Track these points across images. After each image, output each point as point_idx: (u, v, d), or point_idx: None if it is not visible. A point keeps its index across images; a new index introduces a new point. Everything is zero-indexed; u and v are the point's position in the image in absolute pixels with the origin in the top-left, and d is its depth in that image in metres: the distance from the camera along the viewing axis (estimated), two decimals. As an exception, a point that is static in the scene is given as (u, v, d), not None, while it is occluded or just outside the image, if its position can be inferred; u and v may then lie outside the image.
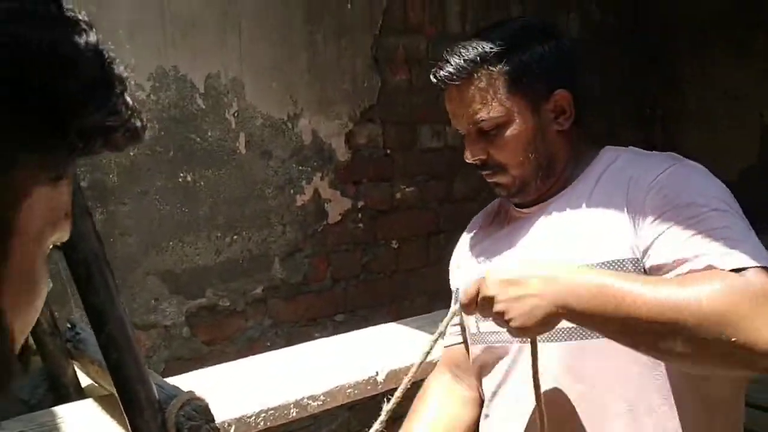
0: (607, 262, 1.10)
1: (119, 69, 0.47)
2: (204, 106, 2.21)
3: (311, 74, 2.46)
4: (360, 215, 2.63)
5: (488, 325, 1.27)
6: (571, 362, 1.13)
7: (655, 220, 1.06)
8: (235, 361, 1.88)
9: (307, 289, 2.53)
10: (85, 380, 1.71)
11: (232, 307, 2.33)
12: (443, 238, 2.75)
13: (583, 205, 1.19)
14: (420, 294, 2.76)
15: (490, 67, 1.18)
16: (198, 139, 2.21)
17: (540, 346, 1.10)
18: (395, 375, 1.72)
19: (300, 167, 2.47)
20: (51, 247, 0.49)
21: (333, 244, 2.58)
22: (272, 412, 1.50)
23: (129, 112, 0.48)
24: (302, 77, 2.44)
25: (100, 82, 0.45)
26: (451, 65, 1.20)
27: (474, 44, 1.20)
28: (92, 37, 0.45)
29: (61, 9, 0.44)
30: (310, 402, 1.56)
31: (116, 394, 1.25)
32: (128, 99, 0.47)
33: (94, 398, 1.60)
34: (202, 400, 1.21)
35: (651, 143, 3.60)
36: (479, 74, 1.19)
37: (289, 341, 2.50)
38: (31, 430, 1.41)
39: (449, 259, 1.49)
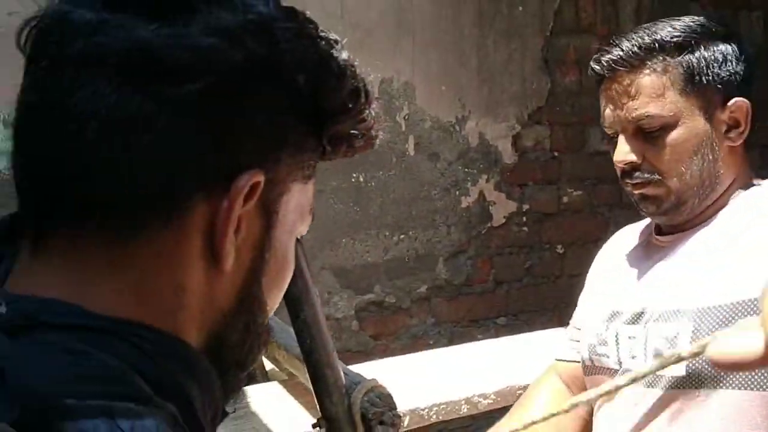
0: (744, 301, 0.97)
1: (366, 82, 0.52)
2: (377, 110, 2.30)
3: (480, 77, 2.48)
4: (525, 218, 2.62)
5: (599, 359, 1.17)
6: (678, 413, 1.01)
7: None
8: (405, 355, 1.94)
9: (469, 291, 2.55)
10: (267, 364, 1.84)
11: (397, 304, 2.40)
12: (610, 244, 2.67)
13: (727, 239, 1.04)
14: (584, 300, 2.70)
15: (668, 57, 1.04)
16: (371, 141, 2.30)
17: (644, 391, 1.02)
18: (565, 379, 1.70)
19: (466, 169, 2.50)
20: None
21: (496, 247, 2.58)
22: (444, 406, 1.53)
23: (373, 122, 0.53)
24: (471, 80, 2.47)
25: (356, 93, 0.50)
26: (622, 50, 1.05)
27: (650, 30, 1.06)
28: (345, 54, 0.50)
29: (319, 29, 0.50)
30: (480, 400, 1.58)
31: (304, 378, 1.33)
32: (373, 110, 0.53)
33: (278, 381, 1.72)
34: (385, 388, 1.26)
35: None
36: (654, 63, 1.04)
37: (451, 340, 2.54)
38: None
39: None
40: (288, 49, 0.46)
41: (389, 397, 1.26)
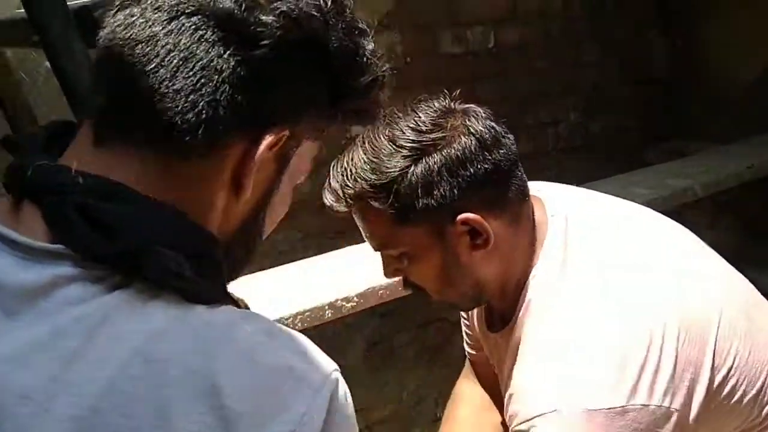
0: None
1: (383, 70, 0.62)
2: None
3: (326, -17, 2.41)
4: (382, 126, 2.62)
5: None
6: None
7: None
8: (269, 269, 1.93)
9: (334, 202, 2.55)
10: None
11: (261, 221, 2.37)
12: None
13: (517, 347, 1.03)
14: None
15: (371, 202, 0.98)
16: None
17: None
18: (426, 276, 1.75)
19: (320, 79, 2.45)
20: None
21: (357, 156, 2.58)
22: (308, 313, 1.55)
23: (382, 104, 0.65)
24: (317, -14, 2.39)
25: (375, 81, 0.61)
26: (331, 194, 1.02)
27: (347, 172, 1.00)
28: (372, 45, 0.61)
29: (358, 20, 0.61)
30: (344, 304, 1.60)
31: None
32: (384, 95, 0.64)
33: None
34: (242, 301, 1.25)
35: (673, 41, 3.51)
36: (360, 208, 1.01)
37: (320, 253, 2.54)
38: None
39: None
40: (334, 36, 0.57)
41: (246, 309, 1.25)
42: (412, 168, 0.96)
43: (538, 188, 1.10)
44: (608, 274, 1.00)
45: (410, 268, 1.05)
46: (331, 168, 1.03)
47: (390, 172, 0.97)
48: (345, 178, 1.00)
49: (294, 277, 1.83)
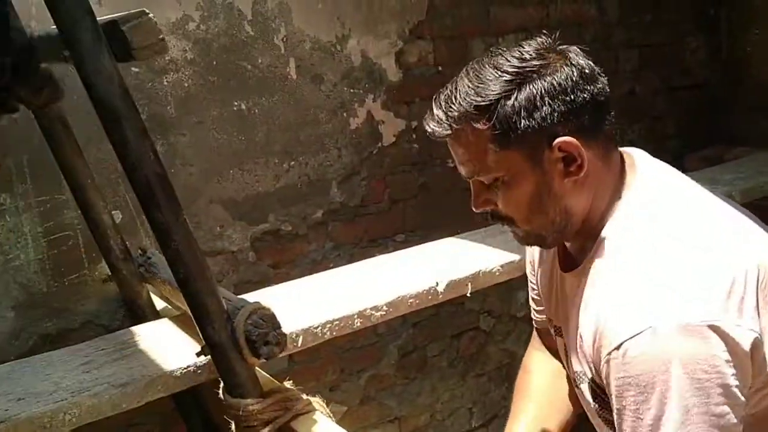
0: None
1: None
2: (253, 33, 2.21)
3: (357, -7, 2.42)
4: (414, 135, 2.62)
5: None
6: None
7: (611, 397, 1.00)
8: (300, 278, 1.94)
9: (365, 211, 2.56)
10: (159, 304, 1.80)
11: (294, 231, 2.38)
12: (500, 154, 2.71)
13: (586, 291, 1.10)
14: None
15: (473, 123, 1.04)
16: (249, 66, 2.22)
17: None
18: (455, 285, 1.75)
19: (351, 90, 2.46)
20: None
21: (389, 166, 2.58)
22: (337, 322, 1.55)
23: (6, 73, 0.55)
24: (348, -3, 2.41)
25: None
26: (434, 120, 1.09)
27: (452, 98, 1.07)
28: None
29: None
30: (373, 312, 1.60)
31: (187, 309, 1.31)
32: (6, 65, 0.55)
33: (168, 318, 1.68)
34: (268, 309, 1.25)
35: (716, 49, 3.44)
36: (461, 131, 1.06)
37: (351, 262, 2.55)
38: (112, 348, 1.49)
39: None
40: None
41: (273, 317, 1.26)
42: (516, 92, 1.03)
43: (624, 149, 1.18)
44: (692, 222, 1.03)
45: (502, 195, 1.09)
46: (433, 100, 1.10)
47: (494, 94, 1.03)
48: (449, 103, 1.07)
49: (324, 285, 1.83)
